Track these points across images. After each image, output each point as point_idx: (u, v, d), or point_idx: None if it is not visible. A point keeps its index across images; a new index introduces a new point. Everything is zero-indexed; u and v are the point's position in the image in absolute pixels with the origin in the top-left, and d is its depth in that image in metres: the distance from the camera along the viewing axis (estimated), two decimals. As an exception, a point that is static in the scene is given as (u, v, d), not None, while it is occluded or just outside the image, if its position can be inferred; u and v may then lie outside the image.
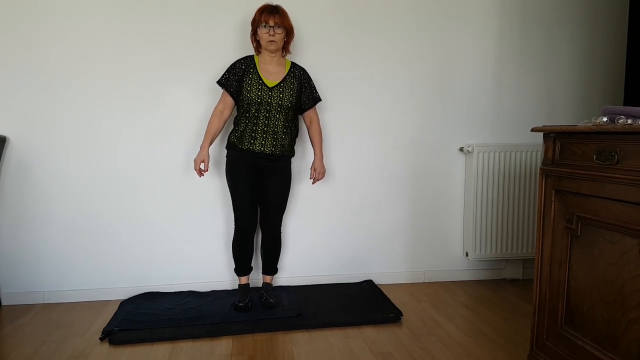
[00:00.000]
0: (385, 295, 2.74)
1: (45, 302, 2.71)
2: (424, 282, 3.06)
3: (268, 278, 2.68)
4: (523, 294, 2.84)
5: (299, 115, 2.61)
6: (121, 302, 2.67)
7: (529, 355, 1.86)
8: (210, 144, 2.48)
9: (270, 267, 2.66)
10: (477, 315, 2.54)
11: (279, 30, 2.35)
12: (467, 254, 3.02)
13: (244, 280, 2.63)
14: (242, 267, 2.61)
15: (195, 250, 2.83)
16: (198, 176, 2.50)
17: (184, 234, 2.81)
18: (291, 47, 2.52)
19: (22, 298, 2.69)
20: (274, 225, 2.57)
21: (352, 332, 2.33)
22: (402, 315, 2.49)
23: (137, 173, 2.72)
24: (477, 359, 2.06)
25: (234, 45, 2.71)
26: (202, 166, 2.44)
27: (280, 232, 2.63)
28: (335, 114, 2.86)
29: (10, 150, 2.62)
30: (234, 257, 2.59)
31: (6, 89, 2.58)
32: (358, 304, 2.63)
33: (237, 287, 2.70)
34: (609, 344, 1.49)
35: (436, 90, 2.95)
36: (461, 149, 3.00)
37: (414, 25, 2.87)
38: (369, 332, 2.33)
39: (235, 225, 2.53)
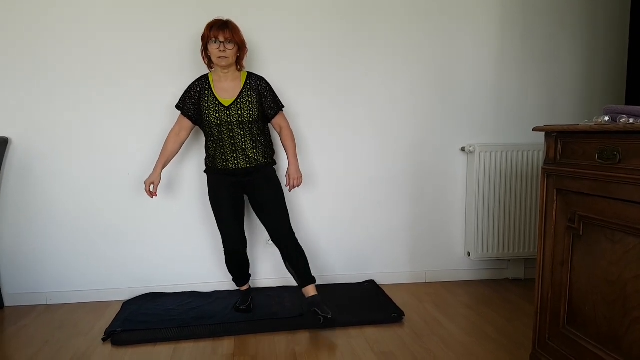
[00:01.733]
0: (387, 296, 2.74)
1: (48, 303, 2.72)
2: (425, 282, 3.06)
3: (311, 290, 2.42)
4: (525, 293, 2.83)
5: (269, 125, 2.51)
6: (124, 303, 2.67)
7: (531, 355, 1.86)
8: (164, 166, 2.41)
9: (306, 276, 2.44)
10: (479, 315, 2.54)
11: (229, 46, 2.26)
12: (468, 254, 3.01)
13: (244, 288, 2.61)
14: (239, 280, 2.58)
15: (197, 251, 2.83)
16: (149, 197, 2.40)
17: (186, 235, 2.81)
18: (245, 62, 2.43)
19: (24, 299, 2.70)
20: (285, 233, 2.43)
21: (354, 332, 2.33)
22: (404, 315, 2.49)
23: (139, 173, 2.72)
24: (479, 359, 2.06)
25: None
26: (151, 188, 2.36)
27: (296, 238, 2.46)
28: (335, 114, 2.86)
29: (12, 151, 2.63)
30: (229, 272, 2.56)
31: (8, 90, 2.59)
32: (360, 304, 2.63)
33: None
34: (611, 344, 1.49)
35: (437, 90, 2.95)
36: (463, 149, 3.00)
37: (414, 25, 2.87)
38: (371, 332, 2.33)
39: (224, 246, 2.47)
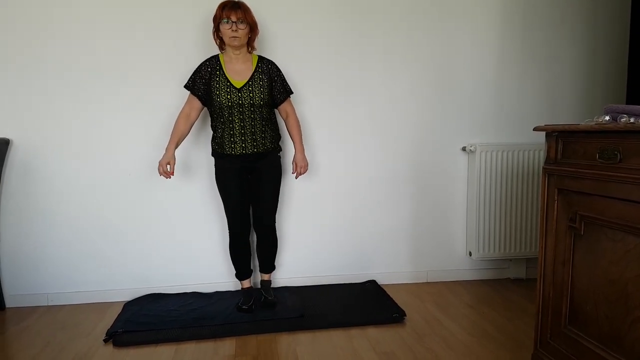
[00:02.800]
0: (389, 295, 2.74)
1: (49, 304, 2.72)
2: (427, 282, 3.06)
3: (266, 276, 2.66)
4: (526, 293, 2.83)
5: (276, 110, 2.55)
6: (125, 304, 2.67)
7: (533, 354, 1.85)
8: (176, 146, 2.41)
9: (268, 264, 2.64)
10: (481, 315, 2.54)
11: (241, 26, 2.28)
12: (470, 254, 3.01)
13: (246, 284, 2.63)
14: (241, 271, 2.60)
15: (199, 251, 2.83)
16: (165, 178, 2.39)
17: (187, 235, 2.81)
18: (256, 44, 2.46)
19: (26, 300, 2.70)
20: (270, 224, 2.55)
21: (355, 333, 2.33)
22: (405, 315, 2.49)
23: (140, 174, 2.73)
24: (480, 359, 2.06)
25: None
26: (168, 168, 2.36)
27: (275, 228, 2.58)
28: (335, 114, 2.86)
29: (13, 152, 2.63)
30: (232, 262, 2.59)
31: (8, 91, 2.59)
32: (361, 304, 2.63)
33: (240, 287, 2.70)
34: (612, 343, 1.49)
35: (438, 89, 2.95)
36: (464, 149, 3.00)
37: (414, 24, 2.87)
38: (373, 332, 2.33)
39: (229, 230, 2.52)
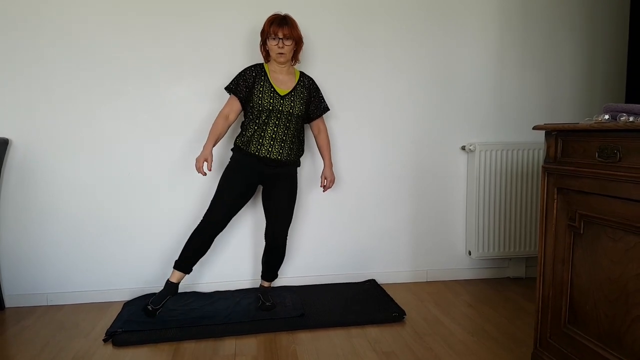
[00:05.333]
0: (388, 295, 2.74)
1: (49, 304, 2.72)
2: (426, 281, 3.06)
3: (267, 284, 2.64)
4: (526, 292, 2.83)
5: (307, 126, 2.61)
6: (125, 303, 2.67)
7: (533, 353, 1.85)
8: (214, 145, 2.42)
9: (271, 273, 2.61)
10: (480, 314, 2.54)
11: (288, 42, 2.34)
12: (469, 253, 3.01)
13: (177, 278, 2.45)
14: (188, 264, 2.44)
15: (197, 251, 2.83)
16: (201, 174, 2.39)
17: (186, 235, 2.80)
18: (300, 56, 2.52)
19: (25, 300, 2.70)
20: (279, 234, 2.48)
21: (355, 332, 2.33)
22: (405, 315, 2.49)
23: (139, 174, 2.73)
24: (480, 358, 2.06)
25: (241, 51, 2.71)
26: (205, 166, 2.39)
27: (285, 242, 2.52)
28: (335, 114, 2.86)
29: (12, 152, 2.63)
30: (184, 248, 2.43)
31: (8, 91, 2.58)
32: (361, 303, 2.63)
33: (240, 287, 2.70)
34: (612, 342, 1.49)
35: (438, 89, 2.95)
36: (463, 148, 3.00)
37: (414, 24, 2.87)
38: (372, 332, 2.33)
39: (202, 220, 2.40)
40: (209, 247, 2.48)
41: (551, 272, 1.74)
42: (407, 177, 2.98)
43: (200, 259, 2.51)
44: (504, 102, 3.01)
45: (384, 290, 2.81)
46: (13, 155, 2.63)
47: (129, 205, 2.74)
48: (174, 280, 2.47)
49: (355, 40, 2.83)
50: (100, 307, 2.68)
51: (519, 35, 2.97)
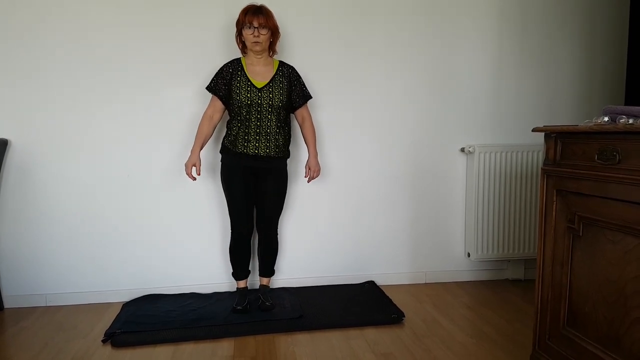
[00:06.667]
0: (387, 296, 2.74)
1: (48, 305, 2.72)
2: (425, 283, 3.06)
3: (265, 280, 2.66)
4: (525, 294, 2.83)
5: (292, 115, 2.59)
6: (123, 304, 2.67)
7: (532, 355, 1.85)
8: (201, 148, 2.45)
9: (268, 269, 2.65)
10: (479, 316, 2.53)
11: (263, 31, 2.33)
12: (468, 255, 3.01)
13: (242, 284, 2.62)
14: (240, 272, 2.59)
15: (197, 252, 2.83)
16: (191, 180, 2.47)
17: (185, 236, 2.81)
18: (277, 47, 2.50)
19: (24, 301, 2.70)
20: (270, 226, 2.55)
21: (353, 333, 2.33)
22: (404, 316, 2.49)
23: (138, 175, 2.72)
24: (479, 360, 2.06)
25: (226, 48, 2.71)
26: (193, 170, 2.42)
27: (277, 233, 2.60)
28: (335, 115, 2.87)
29: (11, 153, 2.63)
30: (231, 262, 2.58)
31: (7, 91, 2.58)
32: (360, 305, 2.63)
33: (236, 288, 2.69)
34: (611, 344, 1.49)
35: (437, 90, 2.95)
36: (462, 150, 3.00)
37: (413, 25, 2.87)
38: (371, 333, 2.33)
39: (232, 230, 2.52)
40: (250, 252, 2.59)
41: (550, 274, 1.74)
42: (407, 178, 2.98)
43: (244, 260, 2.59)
44: (503, 103, 3.01)
45: (383, 292, 2.81)
46: (12, 156, 2.63)
47: (128, 206, 2.74)
48: (240, 286, 2.61)
49: (354, 40, 2.83)
50: (99, 308, 2.68)
51: (518, 37, 2.97)
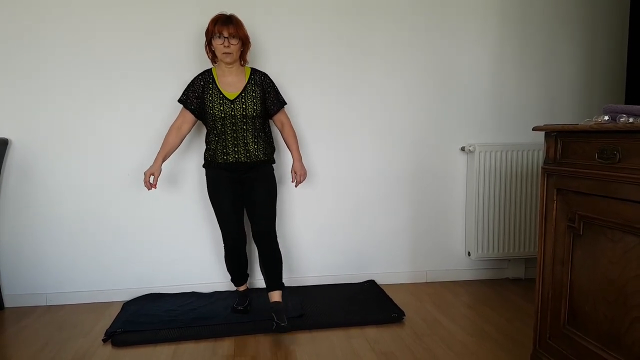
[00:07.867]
0: (388, 296, 2.74)
1: (48, 304, 2.72)
2: (426, 282, 3.06)
3: (276, 296, 2.39)
4: (525, 293, 2.83)
5: (270, 122, 2.53)
6: (124, 304, 2.67)
7: (532, 354, 1.85)
8: (164, 159, 2.38)
9: (275, 281, 2.42)
10: (480, 315, 2.54)
11: (234, 41, 2.26)
12: (469, 254, 3.01)
13: (242, 288, 2.58)
14: (238, 279, 2.56)
15: (197, 252, 2.83)
16: (147, 189, 2.38)
17: (186, 235, 2.81)
18: (248, 57, 2.43)
19: (25, 300, 2.70)
20: (268, 233, 2.41)
21: (354, 332, 2.33)
22: (404, 315, 2.49)
23: (139, 174, 2.72)
24: (479, 359, 2.06)
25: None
26: (151, 179, 2.32)
27: (277, 241, 2.44)
28: (335, 114, 2.87)
29: (12, 152, 2.63)
30: (228, 271, 2.53)
31: (7, 91, 2.59)
32: (360, 304, 2.63)
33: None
34: (611, 343, 1.49)
35: (437, 89, 2.95)
36: (463, 149, 3.00)
37: (413, 24, 2.87)
38: (372, 332, 2.33)
39: (224, 242, 2.44)
40: (245, 260, 2.54)
41: (550, 273, 1.74)
42: (407, 177, 2.98)
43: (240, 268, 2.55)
44: (503, 102, 3.01)
45: (383, 291, 2.81)
46: (13, 156, 2.63)
47: (129, 206, 2.74)
48: (240, 289, 2.58)
49: (355, 40, 2.83)
50: (99, 307, 2.68)
51: (519, 35, 2.97)
